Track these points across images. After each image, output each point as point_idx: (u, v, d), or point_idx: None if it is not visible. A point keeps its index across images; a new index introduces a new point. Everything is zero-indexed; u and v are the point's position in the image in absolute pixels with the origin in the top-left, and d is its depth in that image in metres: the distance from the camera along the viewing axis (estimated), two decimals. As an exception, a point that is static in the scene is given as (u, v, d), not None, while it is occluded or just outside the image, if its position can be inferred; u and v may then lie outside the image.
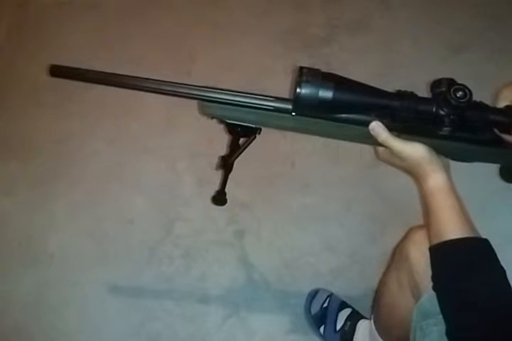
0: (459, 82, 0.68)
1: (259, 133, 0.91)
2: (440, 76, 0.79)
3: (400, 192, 1.40)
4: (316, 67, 0.75)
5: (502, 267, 0.65)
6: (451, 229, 0.67)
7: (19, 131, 1.58)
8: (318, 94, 0.64)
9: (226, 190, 1.12)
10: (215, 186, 1.45)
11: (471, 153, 0.74)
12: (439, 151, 0.72)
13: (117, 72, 0.85)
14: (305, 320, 1.25)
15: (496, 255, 0.66)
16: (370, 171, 1.45)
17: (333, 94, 0.64)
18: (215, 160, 1.49)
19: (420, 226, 0.81)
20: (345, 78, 0.67)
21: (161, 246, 1.37)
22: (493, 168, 0.85)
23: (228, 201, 1.41)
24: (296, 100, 0.65)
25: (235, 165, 1.09)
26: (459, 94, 0.64)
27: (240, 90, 0.72)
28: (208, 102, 0.72)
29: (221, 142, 1.52)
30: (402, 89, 0.71)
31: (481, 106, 0.68)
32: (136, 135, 1.54)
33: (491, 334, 0.61)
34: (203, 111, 0.74)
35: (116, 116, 1.57)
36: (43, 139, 1.55)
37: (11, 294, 1.33)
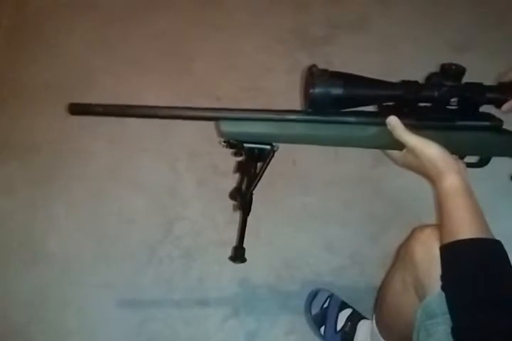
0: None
1: (272, 156, 0.88)
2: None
3: (400, 192, 1.40)
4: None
5: None
6: (465, 230, 0.67)
7: (19, 131, 1.58)
8: (329, 91, 0.70)
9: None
10: (215, 186, 1.46)
11: (477, 144, 0.79)
12: (449, 147, 0.74)
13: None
14: (305, 321, 1.24)
15: (507, 257, 0.66)
16: (370, 171, 1.45)
17: (343, 90, 0.71)
18: (215, 160, 1.50)
19: (426, 226, 0.81)
20: (351, 74, 0.73)
21: (161, 246, 1.37)
22: (495, 169, 0.85)
23: (227, 201, 1.41)
24: (310, 99, 0.71)
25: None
26: (453, 66, 0.74)
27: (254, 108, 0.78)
28: (229, 120, 0.78)
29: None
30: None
31: (476, 85, 0.75)
32: (136, 135, 1.54)
33: (498, 335, 0.61)
34: (223, 130, 0.79)
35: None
36: (43, 139, 1.55)
37: (11, 294, 1.33)
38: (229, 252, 1.35)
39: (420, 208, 1.33)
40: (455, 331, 0.64)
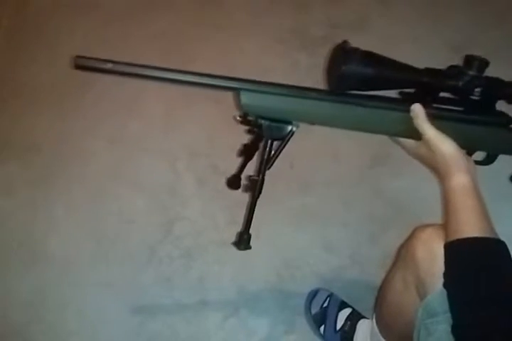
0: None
1: (292, 134, 0.82)
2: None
3: (400, 192, 1.40)
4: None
5: None
6: (470, 229, 0.67)
7: (19, 131, 1.58)
8: (360, 69, 0.70)
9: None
10: (215, 186, 1.46)
11: (488, 140, 0.80)
12: (462, 139, 0.74)
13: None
14: (305, 320, 1.24)
15: (510, 256, 0.66)
16: (370, 171, 1.45)
17: (374, 70, 0.70)
18: (215, 160, 1.50)
19: (427, 225, 0.81)
20: (382, 55, 0.73)
21: (161, 246, 1.37)
22: (498, 169, 0.86)
23: (228, 201, 1.41)
24: (340, 75, 0.70)
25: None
26: (477, 57, 0.73)
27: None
28: (251, 92, 0.74)
29: (221, 142, 1.52)
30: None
31: (497, 79, 0.75)
32: (136, 135, 1.54)
33: (498, 333, 0.61)
34: (244, 102, 0.75)
35: (116, 116, 1.57)
36: (43, 139, 1.55)
37: (11, 294, 1.33)
38: (229, 252, 1.35)
39: (420, 208, 1.33)
40: (456, 329, 0.64)
